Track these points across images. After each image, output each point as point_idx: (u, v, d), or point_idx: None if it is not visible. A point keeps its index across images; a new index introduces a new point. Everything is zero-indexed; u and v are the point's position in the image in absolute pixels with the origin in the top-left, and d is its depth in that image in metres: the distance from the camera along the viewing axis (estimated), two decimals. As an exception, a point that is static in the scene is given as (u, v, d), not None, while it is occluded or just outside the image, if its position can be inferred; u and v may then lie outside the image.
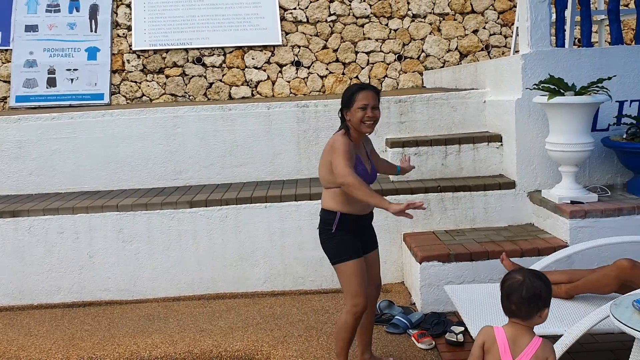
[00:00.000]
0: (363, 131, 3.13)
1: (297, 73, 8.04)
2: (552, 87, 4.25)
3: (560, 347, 2.77)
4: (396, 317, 3.98)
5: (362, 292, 3.10)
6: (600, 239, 3.86)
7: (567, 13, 5.70)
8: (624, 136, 4.58)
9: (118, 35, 7.97)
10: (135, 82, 7.99)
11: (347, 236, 3.12)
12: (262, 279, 4.94)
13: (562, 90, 4.22)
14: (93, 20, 7.89)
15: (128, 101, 7.98)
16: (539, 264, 3.72)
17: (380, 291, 3.44)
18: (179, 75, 7.97)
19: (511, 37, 7.75)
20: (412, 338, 3.77)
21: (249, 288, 4.95)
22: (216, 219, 4.90)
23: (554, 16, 5.44)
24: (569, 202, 4.32)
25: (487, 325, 2.29)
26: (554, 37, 5.52)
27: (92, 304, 4.85)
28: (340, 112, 3.21)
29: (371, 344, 3.47)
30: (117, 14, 7.99)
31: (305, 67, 8.05)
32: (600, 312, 2.73)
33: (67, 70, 7.81)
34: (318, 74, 8.08)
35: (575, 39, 7.10)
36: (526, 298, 2.15)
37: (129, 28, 7.95)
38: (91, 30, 7.89)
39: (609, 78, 4.27)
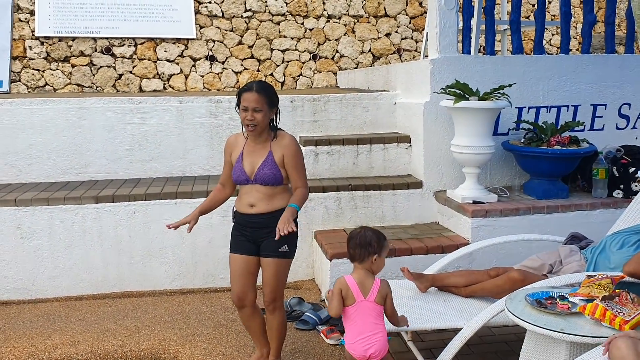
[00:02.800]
0: (247, 131, 3.09)
1: (211, 68, 7.92)
2: (458, 91, 4.44)
3: (459, 340, 2.92)
4: (306, 313, 4.02)
5: (233, 288, 3.20)
6: (499, 237, 4.08)
7: (474, 21, 5.98)
8: (522, 140, 4.86)
9: (19, 20, 7.51)
10: (38, 70, 7.57)
11: (234, 231, 3.24)
12: (171, 277, 4.84)
13: (467, 95, 4.43)
14: (-9, 3, 7.40)
15: (30, 90, 7.55)
16: (442, 261, 3.89)
17: (269, 299, 3.14)
18: (86, 65, 7.63)
19: (422, 41, 8.02)
20: (321, 334, 3.82)
21: (157, 286, 4.83)
22: (123, 215, 4.74)
23: (461, 24, 5.68)
24: (471, 202, 4.54)
25: (340, 277, 2.80)
26: (461, 44, 5.76)
27: (-14, 304, 4.56)
28: (237, 107, 3.15)
29: (269, 352, 3.30)
30: (18, -3, 7.53)
31: (219, 62, 7.95)
32: (496, 306, 2.90)
33: (-39, 54, 7.27)
34: (233, 70, 8.00)
35: (480, 46, 7.46)
36: (359, 243, 2.78)
37: (32, 13, 7.50)
38: (-11, 13, 7.39)
39: (510, 85, 4.53)
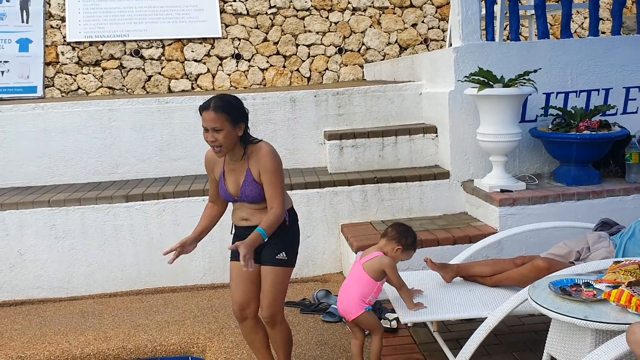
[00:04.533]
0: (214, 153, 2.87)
1: (237, 66, 7.99)
2: (482, 79, 4.38)
3: (483, 330, 2.88)
4: (332, 305, 4.03)
5: (233, 298, 3.03)
6: (527, 225, 4.02)
7: (497, 8, 5.87)
8: (550, 127, 4.76)
9: (51, 27, 7.71)
10: (71, 74, 7.76)
11: (235, 239, 3.02)
12: (201, 272, 4.92)
13: (491, 83, 4.36)
14: (24, 11, 7.61)
15: (63, 94, 7.75)
16: (470, 249, 3.85)
17: (267, 315, 2.96)
18: (116, 68, 7.79)
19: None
20: (347, 326, 3.82)
21: (188, 281, 4.91)
22: (153, 212, 4.83)
23: (483, 11, 5.59)
24: (498, 190, 4.47)
25: (381, 256, 3.12)
26: (485, 32, 5.67)
27: (25, 303, 4.71)
28: None
29: None
30: (49, 4, 7.71)
31: (245, 60, 8.00)
32: (520, 295, 2.85)
33: (-3, 62, 7.51)
34: (259, 67, 8.04)
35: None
36: (401, 229, 3.19)
37: (63, 19, 7.69)
38: (22, 21, 7.60)
39: (535, 71, 4.43)
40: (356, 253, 4.27)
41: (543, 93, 4.89)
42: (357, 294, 3.03)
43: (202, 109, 2.82)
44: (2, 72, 7.50)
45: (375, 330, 3.09)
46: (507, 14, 5.39)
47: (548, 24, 5.34)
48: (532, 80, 4.36)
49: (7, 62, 7.53)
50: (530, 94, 4.52)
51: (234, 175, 2.94)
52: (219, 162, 3.00)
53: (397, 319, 3.73)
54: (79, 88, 7.79)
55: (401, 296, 3.13)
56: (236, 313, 3.05)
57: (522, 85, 4.35)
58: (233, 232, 3.10)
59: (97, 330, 4.00)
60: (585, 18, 8.87)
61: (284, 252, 2.94)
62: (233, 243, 3.03)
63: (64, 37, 7.69)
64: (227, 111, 2.79)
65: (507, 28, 6.42)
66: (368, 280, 3.04)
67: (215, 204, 3.16)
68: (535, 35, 7.18)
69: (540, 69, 4.62)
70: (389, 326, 3.72)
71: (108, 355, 3.71)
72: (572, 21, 8.69)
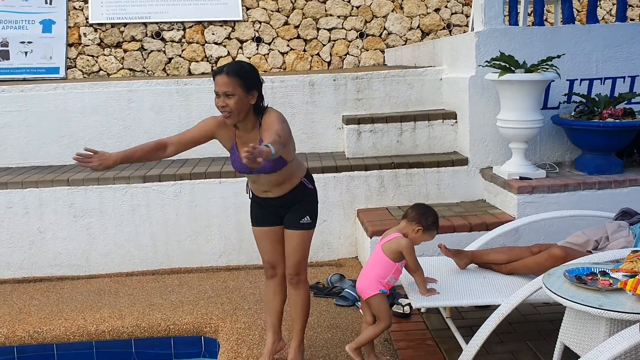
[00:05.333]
0: (224, 119, 2.81)
1: (257, 49, 7.96)
2: (504, 64, 4.29)
3: (496, 317, 2.85)
4: (346, 289, 4.02)
5: (263, 257, 3.18)
6: (545, 212, 3.95)
7: (522, -8, 5.75)
8: (572, 114, 4.66)
9: (74, 8, 7.76)
10: (92, 56, 7.81)
11: (252, 204, 3.15)
12: (217, 254, 4.94)
13: (512, 68, 4.28)
14: (48, -8, 7.67)
15: (85, 75, 7.81)
16: (486, 237, 3.81)
17: (293, 272, 3.08)
18: (137, 50, 7.82)
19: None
20: (360, 310, 3.81)
21: (204, 263, 4.94)
22: (170, 194, 4.86)
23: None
24: (517, 178, 4.40)
25: (399, 237, 3.06)
26: (508, 16, 5.56)
27: (43, 280, 4.78)
28: None
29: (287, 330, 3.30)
30: (73, -15, 7.77)
31: (266, 43, 7.97)
32: (534, 283, 2.81)
33: (20, 42, 7.58)
34: (279, 50, 8.01)
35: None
36: (421, 210, 3.11)
37: (86, 1, 7.74)
38: (46, 2, 7.65)
39: (559, 56, 4.33)
40: (371, 238, 4.25)
41: (566, 80, 4.79)
42: (375, 274, 3.02)
43: (216, 73, 2.76)
44: (26, 53, 7.57)
45: (382, 319, 3.02)
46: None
47: (574, 10, 5.21)
48: (556, 66, 4.27)
49: (31, 42, 7.60)
50: (553, 80, 4.42)
51: (246, 146, 2.82)
52: (229, 132, 2.90)
53: (410, 304, 3.71)
54: (100, 69, 7.84)
55: (415, 280, 3.10)
56: (267, 270, 3.19)
57: (544, 71, 4.26)
58: (251, 196, 3.13)
59: (112, 308, 4.05)
60: (613, 4, 8.65)
61: (308, 217, 3.03)
62: (252, 208, 3.15)
63: (87, 18, 7.73)
64: (241, 76, 2.73)
65: (532, 13, 6.29)
66: (386, 261, 3.02)
67: (167, 148, 2.92)
68: (561, 21, 7.05)
69: (564, 54, 4.53)
70: (401, 311, 3.70)
71: (122, 332, 3.75)
72: (600, 7, 8.49)
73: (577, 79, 4.84)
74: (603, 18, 8.51)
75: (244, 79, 2.74)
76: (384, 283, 3.01)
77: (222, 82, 2.72)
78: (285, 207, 3.02)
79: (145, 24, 7.78)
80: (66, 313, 4.00)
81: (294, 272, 3.08)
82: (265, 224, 3.11)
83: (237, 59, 7.93)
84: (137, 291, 4.40)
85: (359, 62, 8.14)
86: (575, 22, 5.40)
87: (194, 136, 2.98)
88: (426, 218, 3.07)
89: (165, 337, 3.76)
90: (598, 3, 5.07)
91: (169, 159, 5.41)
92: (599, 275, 2.56)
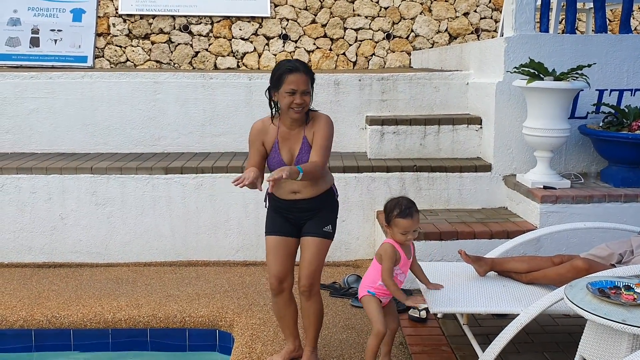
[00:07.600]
0: (291, 117, 2.85)
1: (284, 46, 7.97)
2: (532, 71, 4.24)
3: (514, 327, 2.81)
4: (362, 291, 4.00)
5: (272, 270, 3.02)
6: (568, 223, 3.89)
7: (554, -1, 5.68)
8: (600, 124, 4.59)
9: (105, -2, 7.84)
10: (120, 46, 7.88)
11: (270, 213, 3.07)
12: (234, 249, 4.95)
13: (541, 75, 4.22)
14: (79, -19, 7.75)
15: (112, 65, 7.88)
16: (507, 244, 3.77)
17: (307, 284, 2.98)
18: (164, 42, 7.87)
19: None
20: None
21: (222, 257, 4.96)
22: (191, 186, 4.88)
23: (539, 1, 5.41)
24: (541, 187, 4.34)
25: (384, 243, 2.93)
26: (539, 23, 5.49)
27: (63, 266, 4.84)
28: (268, 91, 2.93)
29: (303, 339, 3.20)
30: (104, -24, 7.85)
31: (292, 40, 7.97)
32: (555, 294, 2.76)
33: (51, 30, 7.68)
34: (305, 49, 8.01)
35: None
36: (384, 208, 2.96)
37: (116, -9, 7.82)
38: (77, -9, 7.75)
39: (589, 65, 4.26)
40: (390, 240, 4.22)
41: (596, 89, 4.72)
42: (368, 277, 3.02)
43: (290, 71, 2.77)
44: (55, 41, 7.67)
45: (372, 323, 2.94)
46: (564, 6, 5.20)
47: (607, 19, 5.12)
48: (585, 75, 4.21)
49: (61, 30, 7.69)
50: (582, 90, 4.36)
51: (288, 144, 2.92)
52: (270, 133, 2.94)
53: (426, 309, 3.68)
54: (127, 60, 7.91)
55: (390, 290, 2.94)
56: (274, 285, 3.04)
57: (574, 79, 4.19)
58: (270, 204, 3.07)
59: (129, 297, 4.08)
60: (646, 15, 8.50)
61: (330, 225, 2.99)
62: (270, 216, 3.08)
63: (116, 9, 7.80)
64: (311, 74, 2.83)
65: (563, 21, 6.21)
66: (377, 266, 2.99)
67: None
68: (592, 30, 6.94)
69: (594, 63, 4.45)
70: (417, 316, 3.68)
71: (138, 321, 3.78)
72: (633, 18, 8.35)
73: (606, 89, 4.77)
74: (635, 29, 8.37)
75: (312, 77, 2.85)
76: (375, 286, 2.97)
77: (302, 80, 2.77)
78: (311, 212, 2.99)
79: (173, 16, 7.83)
80: (84, 300, 4.04)
81: (307, 283, 2.97)
82: (282, 232, 3.01)
83: (262, 55, 7.94)
84: (154, 281, 4.43)
85: (385, 64, 8.11)
86: (607, 31, 5.31)
87: (257, 149, 2.97)
88: (386, 215, 2.92)
89: (180, 328, 3.78)
90: (631, 13, 5.00)
91: (191, 151, 5.46)
92: (622, 290, 2.51)
